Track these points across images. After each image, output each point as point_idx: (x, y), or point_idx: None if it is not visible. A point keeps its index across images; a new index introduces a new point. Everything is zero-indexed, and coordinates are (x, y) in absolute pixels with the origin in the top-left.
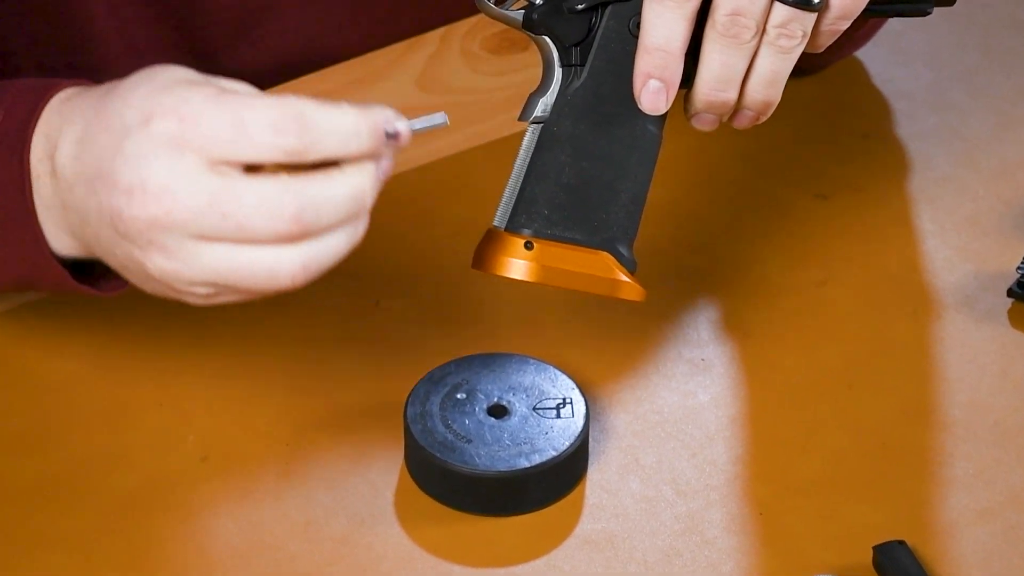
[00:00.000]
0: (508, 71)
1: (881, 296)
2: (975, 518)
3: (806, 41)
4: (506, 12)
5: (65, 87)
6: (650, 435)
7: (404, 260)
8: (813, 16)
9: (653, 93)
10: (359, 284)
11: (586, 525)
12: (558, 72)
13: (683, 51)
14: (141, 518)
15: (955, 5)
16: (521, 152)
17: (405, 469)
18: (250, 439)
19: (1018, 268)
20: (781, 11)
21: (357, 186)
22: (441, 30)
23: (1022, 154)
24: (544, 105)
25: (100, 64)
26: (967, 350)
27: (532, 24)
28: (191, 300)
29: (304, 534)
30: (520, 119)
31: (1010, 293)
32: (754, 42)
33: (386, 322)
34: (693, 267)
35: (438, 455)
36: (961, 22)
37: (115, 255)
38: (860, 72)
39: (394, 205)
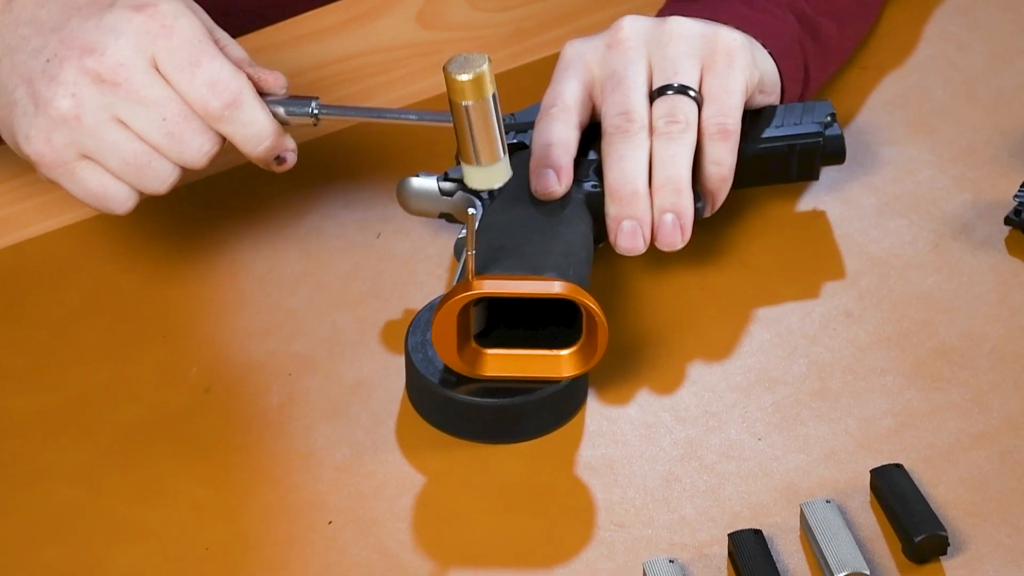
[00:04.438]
0: (509, 7)
1: (879, 224)
2: (971, 442)
3: (693, 130)
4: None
5: None
6: (649, 362)
7: None
8: (692, 103)
9: (543, 177)
10: (361, 217)
11: (586, 451)
12: (477, 204)
13: (568, 147)
14: (145, 450)
15: None
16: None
17: (406, 398)
18: (252, 371)
19: (1015, 196)
20: (661, 103)
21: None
22: None
23: (1019, 85)
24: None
25: None
26: (964, 278)
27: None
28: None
29: (306, 464)
30: (456, 256)
31: (1007, 221)
32: (643, 134)
33: (387, 254)
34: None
35: (439, 384)
36: None
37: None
38: None
39: (397, 142)
